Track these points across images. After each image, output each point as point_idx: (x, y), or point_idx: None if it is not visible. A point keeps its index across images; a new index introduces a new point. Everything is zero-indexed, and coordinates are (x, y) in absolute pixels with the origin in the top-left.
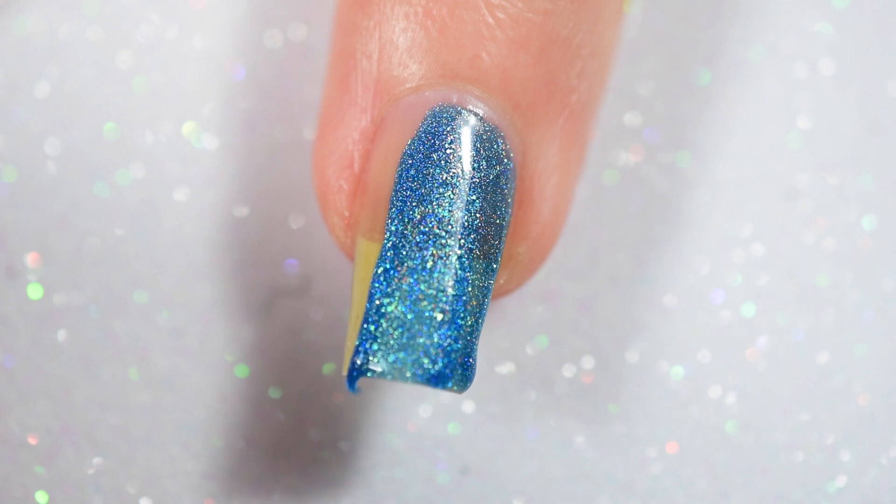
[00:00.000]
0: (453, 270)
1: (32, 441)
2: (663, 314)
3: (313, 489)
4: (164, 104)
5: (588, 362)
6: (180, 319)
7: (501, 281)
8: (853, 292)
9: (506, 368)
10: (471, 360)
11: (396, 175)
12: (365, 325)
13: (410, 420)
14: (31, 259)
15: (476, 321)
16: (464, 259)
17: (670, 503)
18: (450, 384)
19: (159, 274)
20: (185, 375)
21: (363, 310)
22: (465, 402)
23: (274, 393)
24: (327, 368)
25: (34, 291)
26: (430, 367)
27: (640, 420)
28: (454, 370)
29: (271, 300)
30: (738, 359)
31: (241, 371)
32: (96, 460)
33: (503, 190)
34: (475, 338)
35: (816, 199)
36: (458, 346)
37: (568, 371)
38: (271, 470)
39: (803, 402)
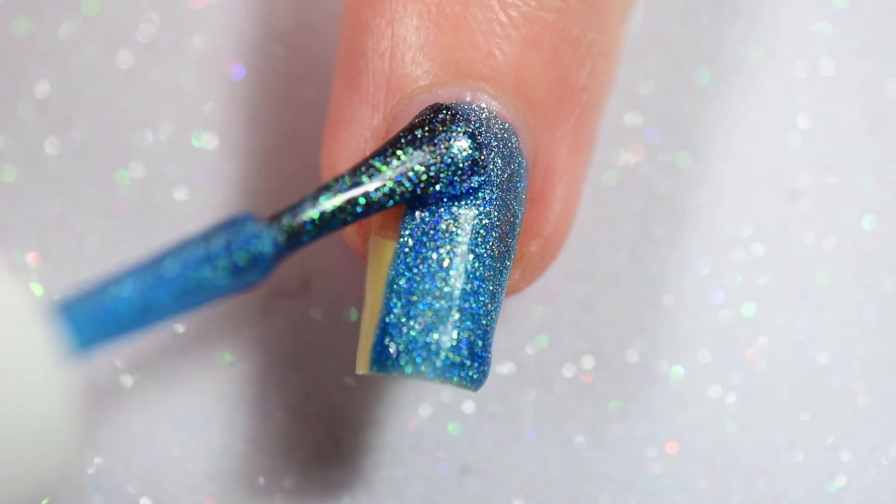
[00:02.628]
0: (469, 268)
1: None
2: (663, 314)
3: (313, 489)
4: (164, 104)
5: (588, 362)
6: (180, 319)
7: (516, 277)
8: (853, 292)
9: (506, 368)
10: (488, 356)
11: None
12: (383, 323)
13: (411, 420)
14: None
15: (492, 319)
16: (480, 257)
17: (670, 503)
18: (466, 381)
19: None
20: (185, 375)
21: (378, 308)
22: (465, 402)
23: (273, 393)
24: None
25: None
26: (448, 364)
27: (640, 420)
28: (471, 367)
29: (271, 300)
30: (738, 359)
31: (241, 371)
32: (96, 460)
33: (517, 188)
34: (491, 335)
35: (816, 199)
36: (478, 343)
37: (568, 371)
38: (271, 470)
39: (803, 402)
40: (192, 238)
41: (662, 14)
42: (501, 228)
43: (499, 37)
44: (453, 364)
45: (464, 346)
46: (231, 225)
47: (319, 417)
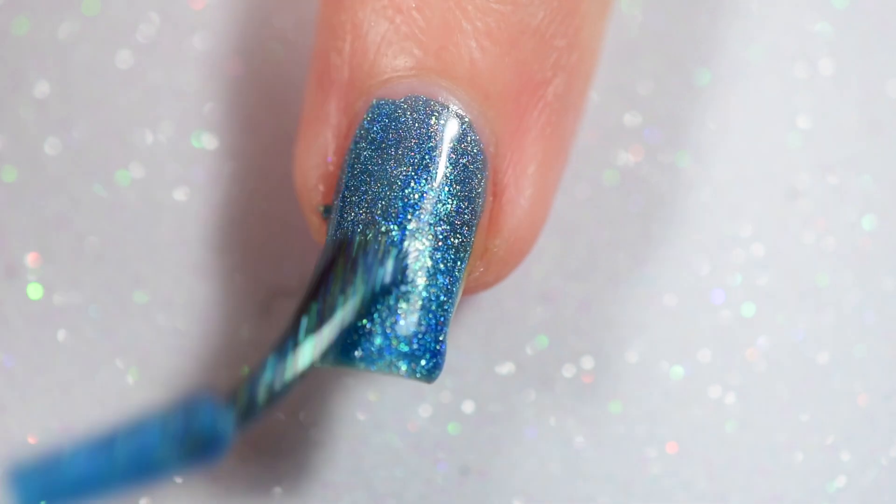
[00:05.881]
0: (423, 262)
1: (32, 441)
2: (663, 314)
3: (313, 489)
4: (164, 104)
5: (588, 362)
6: (180, 319)
7: (480, 271)
8: (853, 292)
9: (506, 368)
10: (441, 349)
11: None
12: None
13: (410, 420)
14: (31, 259)
15: (446, 312)
16: (433, 250)
17: (670, 503)
18: (417, 373)
19: (159, 274)
20: (185, 375)
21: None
22: (465, 402)
23: None
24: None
25: (34, 291)
26: (402, 357)
27: (640, 420)
28: (423, 358)
29: (271, 300)
30: (738, 359)
31: (241, 371)
32: None
33: (472, 181)
34: (445, 328)
35: (816, 199)
36: (429, 336)
37: (568, 371)
38: (271, 470)
39: (803, 402)
40: (148, 417)
41: (662, 14)
42: (456, 222)
43: (454, 30)
44: (402, 354)
45: (416, 340)
46: (188, 405)
47: (319, 418)
